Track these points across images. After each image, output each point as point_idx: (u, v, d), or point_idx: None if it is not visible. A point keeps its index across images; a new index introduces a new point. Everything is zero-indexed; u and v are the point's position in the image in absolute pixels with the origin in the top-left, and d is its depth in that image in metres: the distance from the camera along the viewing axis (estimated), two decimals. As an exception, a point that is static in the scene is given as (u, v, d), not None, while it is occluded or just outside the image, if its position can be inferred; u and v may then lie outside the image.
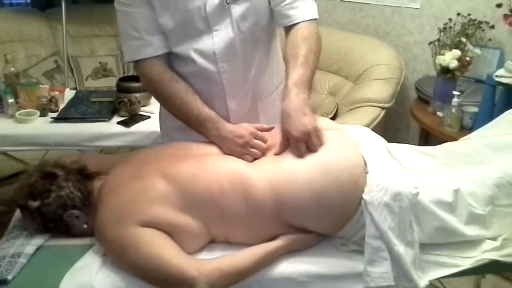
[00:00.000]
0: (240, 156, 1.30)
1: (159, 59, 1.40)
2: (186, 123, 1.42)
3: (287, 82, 1.30)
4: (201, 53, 1.39)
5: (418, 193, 1.21)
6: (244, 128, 1.35)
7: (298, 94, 1.27)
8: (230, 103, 1.47)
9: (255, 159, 1.30)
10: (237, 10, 1.37)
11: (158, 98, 1.48)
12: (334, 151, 1.26)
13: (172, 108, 1.43)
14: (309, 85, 1.32)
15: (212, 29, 1.38)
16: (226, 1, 1.36)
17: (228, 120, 1.43)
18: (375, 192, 1.20)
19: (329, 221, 1.24)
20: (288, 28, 1.41)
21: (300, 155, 1.23)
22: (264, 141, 1.33)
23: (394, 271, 1.19)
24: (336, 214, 1.22)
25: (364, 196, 1.21)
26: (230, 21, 1.38)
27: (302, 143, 1.23)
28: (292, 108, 1.25)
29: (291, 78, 1.30)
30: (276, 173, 1.22)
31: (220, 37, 1.38)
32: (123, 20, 1.39)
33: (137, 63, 1.42)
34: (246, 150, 1.30)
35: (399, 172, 1.26)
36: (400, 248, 1.18)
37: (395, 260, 1.19)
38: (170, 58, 1.43)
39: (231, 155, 1.31)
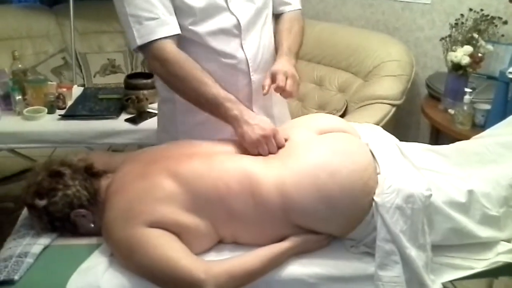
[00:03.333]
0: (251, 147, 1.29)
1: (174, 39, 1.38)
2: (200, 105, 1.38)
3: (283, 46, 1.51)
4: (224, 29, 1.43)
5: (431, 194, 1.19)
6: (268, 123, 1.33)
7: (289, 58, 1.48)
8: (253, 76, 1.50)
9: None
10: None
11: (171, 79, 1.40)
12: (342, 153, 1.24)
13: (187, 89, 1.37)
14: (296, 55, 1.54)
15: (228, 3, 1.42)
16: None
17: (250, 96, 1.50)
18: (386, 194, 1.18)
19: (339, 223, 1.22)
20: (281, 14, 1.61)
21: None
22: (281, 145, 1.31)
23: (406, 275, 1.17)
24: (345, 217, 1.21)
25: (375, 198, 1.19)
26: None
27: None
28: (282, 66, 1.43)
29: (284, 46, 1.51)
30: (283, 174, 1.20)
31: (240, 11, 1.44)
32: (133, 4, 1.36)
33: (149, 45, 1.36)
34: (261, 145, 1.29)
35: (411, 173, 1.24)
36: (412, 251, 1.17)
37: (407, 264, 1.17)
38: (189, 45, 1.41)
39: (243, 141, 1.30)
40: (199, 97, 1.36)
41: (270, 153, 1.29)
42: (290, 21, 1.59)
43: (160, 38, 1.35)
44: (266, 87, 1.39)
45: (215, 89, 1.34)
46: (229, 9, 1.42)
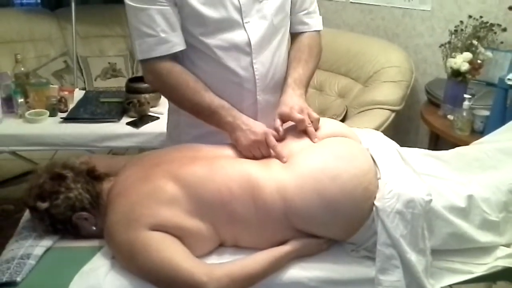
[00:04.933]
0: (245, 151, 1.32)
1: (171, 56, 1.37)
2: (196, 114, 1.40)
3: (288, 79, 1.45)
4: (233, 45, 1.38)
5: (431, 199, 1.20)
6: (260, 126, 1.35)
7: (295, 90, 1.42)
8: (259, 96, 1.46)
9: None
10: (270, 5, 1.41)
11: (167, 91, 1.43)
12: (343, 158, 1.25)
13: (182, 100, 1.39)
14: (307, 84, 1.49)
15: (244, 20, 1.38)
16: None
17: (256, 116, 1.44)
18: (387, 199, 1.19)
19: (339, 227, 1.23)
20: (297, 34, 1.54)
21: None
22: (273, 147, 1.31)
23: (406, 279, 1.17)
24: (346, 221, 1.21)
25: (376, 203, 1.19)
26: (263, 14, 1.40)
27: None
28: (289, 99, 1.39)
29: (291, 76, 1.45)
30: (284, 178, 1.21)
31: (253, 29, 1.39)
32: (136, 17, 1.35)
33: (147, 60, 1.37)
34: (253, 149, 1.31)
35: (411, 178, 1.25)
36: (412, 256, 1.17)
37: (407, 268, 1.18)
38: (197, 56, 1.40)
39: (237, 145, 1.33)
40: (194, 107, 1.38)
41: (264, 156, 1.31)
42: (300, 47, 1.52)
43: (158, 58, 1.35)
44: (281, 130, 1.35)
45: (208, 98, 1.36)
46: (243, 25, 1.38)
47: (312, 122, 1.35)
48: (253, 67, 1.41)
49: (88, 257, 1.21)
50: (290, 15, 1.50)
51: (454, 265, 1.25)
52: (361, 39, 3.09)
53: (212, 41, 1.37)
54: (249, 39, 1.38)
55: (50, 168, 1.29)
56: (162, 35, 1.33)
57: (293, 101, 1.38)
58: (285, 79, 1.48)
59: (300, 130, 1.35)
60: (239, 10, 1.36)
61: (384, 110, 2.63)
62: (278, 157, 1.30)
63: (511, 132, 1.59)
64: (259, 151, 1.32)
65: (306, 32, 1.53)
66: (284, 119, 1.36)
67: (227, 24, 1.36)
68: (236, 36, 1.38)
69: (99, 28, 3.69)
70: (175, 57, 1.38)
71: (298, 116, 1.33)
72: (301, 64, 1.48)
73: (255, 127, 1.33)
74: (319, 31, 1.56)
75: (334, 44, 3.07)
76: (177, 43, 1.36)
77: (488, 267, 1.25)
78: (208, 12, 1.34)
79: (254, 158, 1.32)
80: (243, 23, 1.38)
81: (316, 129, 1.35)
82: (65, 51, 3.60)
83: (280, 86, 1.49)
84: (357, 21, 3.29)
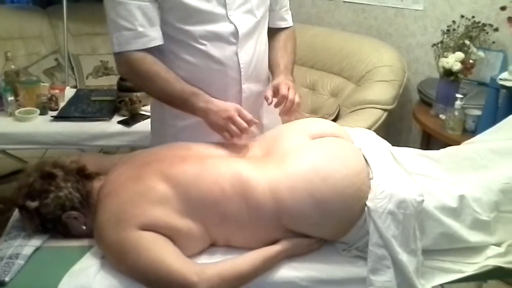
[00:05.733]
0: (221, 131, 1.35)
1: (146, 50, 1.39)
2: (171, 103, 1.44)
3: (280, 65, 1.55)
4: (217, 35, 1.42)
5: (423, 200, 1.20)
6: (231, 104, 1.38)
7: (287, 75, 1.52)
8: (244, 85, 1.51)
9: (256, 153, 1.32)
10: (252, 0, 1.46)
11: (139, 82, 1.48)
12: (335, 158, 1.25)
13: (155, 90, 1.43)
14: (291, 72, 1.58)
15: (228, 13, 1.41)
16: None
17: (240, 104, 1.45)
18: (379, 199, 1.19)
19: (331, 227, 1.22)
20: (276, 29, 1.63)
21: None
22: (247, 120, 1.34)
23: (397, 280, 1.18)
24: (338, 221, 1.21)
25: (368, 203, 1.19)
26: (247, 8, 1.45)
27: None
28: (283, 79, 1.49)
29: (281, 63, 1.56)
30: (276, 178, 1.21)
31: (239, 20, 1.43)
32: (115, 10, 1.36)
33: (121, 53, 1.40)
34: (228, 126, 1.33)
35: (403, 178, 1.25)
36: (404, 256, 1.17)
37: (398, 269, 1.18)
38: (181, 46, 1.43)
39: (214, 129, 1.37)
40: (168, 96, 1.42)
41: (240, 130, 1.33)
42: (285, 39, 1.62)
43: (134, 50, 1.38)
44: (270, 98, 1.42)
45: (179, 86, 1.40)
46: (228, 18, 1.42)
47: (292, 102, 1.42)
48: (237, 55, 1.45)
49: (78, 257, 1.20)
50: (272, 11, 1.59)
51: (445, 265, 1.25)
52: (353, 39, 3.09)
53: (196, 30, 1.40)
54: (236, 30, 1.43)
55: (40, 167, 1.28)
56: (140, 29, 1.36)
57: (285, 80, 1.48)
58: (273, 66, 1.58)
59: (291, 130, 1.37)
60: (223, 3, 1.40)
61: (377, 110, 2.63)
62: (251, 124, 1.34)
63: (502, 131, 1.60)
64: (233, 127, 1.33)
65: (284, 28, 1.64)
66: (275, 90, 1.44)
67: (212, 16, 1.40)
68: (221, 27, 1.42)
69: (90, 26, 3.66)
70: (150, 51, 1.40)
71: (284, 91, 1.41)
72: (287, 54, 1.59)
73: (226, 106, 1.37)
74: (292, 26, 1.68)
75: (326, 43, 3.07)
76: (155, 38, 1.39)
77: (479, 266, 1.25)
78: (193, 2, 1.37)
79: (232, 137, 1.34)
80: (227, 15, 1.42)
81: (291, 111, 1.43)
82: (56, 49, 3.57)
83: (261, 75, 1.57)
84: (349, 20, 3.29)
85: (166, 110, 1.53)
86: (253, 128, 1.42)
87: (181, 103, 1.41)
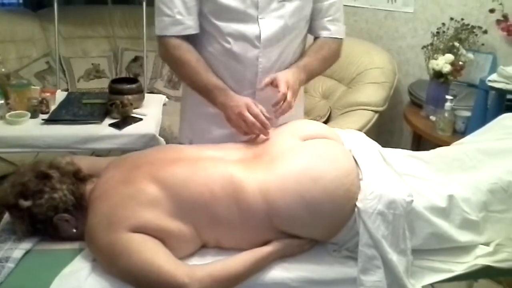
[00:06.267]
0: (235, 127, 1.42)
1: (183, 36, 1.46)
2: (197, 91, 1.50)
3: (299, 62, 1.51)
4: (243, 36, 1.45)
5: (412, 200, 1.21)
6: (243, 100, 1.41)
7: (300, 73, 1.48)
8: (258, 91, 1.52)
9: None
10: (287, 6, 1.46)
11: (173, 66, 1.55)
12: (325, 159, 1.25)
13: (184, 76, 1.52)
14: (310, 74, 1.53)
15: (259, 16, 1.43)
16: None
17: None
18: (369, 200, 1.19)
19: (322, 228, 1.23)
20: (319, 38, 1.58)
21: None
22: (256, 116, 1.36)
23: (388, 280, 1.18)
24: (328, 222, 1.22)
25: (357, 204, 1.20)
26: (279, 14, 1.45)
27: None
28: (289, 74, 1.45)
29: (302, 60, 1.52)
30: (267, 180, 1.21)
31: (266, 25, 1.44)
32: None
33: (162, 38, 1.47)
34: (240, 122, 1.38)
35: (393, 179, 1.26)
36: (394, 256, 1.18)
37: (389, 269, 1.18)
38: (208, 39, 1.48)
39: (231, 125, 1.43)
40: (194, 85, 1.49)
41: (249, 125, 1.36)
42: (321, 45, 1.57)
43: (171, 36, 1.45)
44: (264, 83, 1.43)
45: (206, 78, 1.45)
46: (257, 20, 1.43)
47: (288, 104, 1.40)
48: (258, 60, 1.47)
49: (69, 260, 1.19)
50: (315, 20, 1.56)
51: (435, 264, 1.26)
52: (345, 41, 3.08)
53: (225, 27, 1.44)
54: (260, 33, 1.44)
55: (35, 167, 1.26)
56: (178, 17, 1.43)
57: (289, 76, 1.44)
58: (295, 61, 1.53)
59: (281, 132, 1.38)
60: (256, 5, 1.42)
61: (368, 111, 2.65)
62: (263, 124, 1.36)
63: (491, 132, 1.61)
64: (243, 124, 1.37)
65: (326, 37, 1.57)
66: (273, 82, 1.42)
67: (242, 16, 1.43)
68: (248, 28, 1.44)
69: (82, 29, 3.65)
70: (187, 38, 1.46)
71: (283, 89, 1.39)
72: (315, 57, 1.54)
73: (238, 101, 1.40)
74: (341, 39, 1.61)
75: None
76: (191, 26, 1.45)
77: (468, 266, 1.26)
78: (227, 1, 1.41)
79: (246, 133, 1.40)
80: (257, 18, 1.44)
81: (284, 111, 1.40)
82: (48, 52, 3.55)
83: None
84: (341, 22, 3.30)
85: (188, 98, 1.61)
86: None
87: (205, 94, 1.47)
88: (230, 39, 1.45)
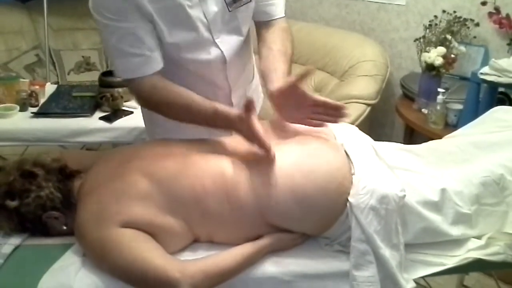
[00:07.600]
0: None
1: (157, 73, 1.35)
2: (197, 123, 1.34)
3: (278, 72, 1.36)
4: (209, 61, 1.42)
5: (404, 195, 1.20)
6: (233, 114, 1.27)
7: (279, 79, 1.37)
8: (234, 98, 1.55)
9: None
10: (240, 15, 1.42)
11: (160, 108, 1.38)
12: (317, 154, 1.24)
13: (179, 111, 1.34)
14: (290, 65, 1.46)
15: (214, 38, 1.39)
16: (228, 9, 1.38)
17: None
18: (361, 195, 1.19)
19: (314, 223, 1.22)
20: (264, 24, 1.51)
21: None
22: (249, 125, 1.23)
23: (380, 275, 1.18)
24: (320, 217, 1.21)
25: (350, 199, 1.19)
26: (231, 28, 1.42)
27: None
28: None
29: (280, 72, 1.37)
30: (258, 174, 1.20)
31: (225, 45, 1.42)
32: (114, 36, 1.29)
33: (134, 80, 1.34)
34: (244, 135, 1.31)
35: (385, 174, 1.25)
36: (386, 251, 1.18)
37: (381, 264, 1.18)
38: (174, 66, 1.39)
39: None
40: (191, 122, 1.34)
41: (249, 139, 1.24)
42: (282, 39, 1.48)
43: (144, 76, 1.32)
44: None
45: (209, 104, 1.30)
46: (215, 43, 1.40)
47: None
48: (226, 75, 1.49)
49: (59, 255, 1.18)
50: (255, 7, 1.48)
51: (427, 258, 1.26)
52: (337, 34, 3.10)
53: (188, 57, 1.39)
54: (223, 54, 1.42)
55: (20, 165, 1.25)
56: (148, 53, 1.31)
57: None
58: (271, 70, 1.38)
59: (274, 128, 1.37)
60: (208, 27, 1.37)
61: (360, 104, 2.64)
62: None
63: (484, 125, 1.61)
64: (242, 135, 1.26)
65: (274, 20, 1.51)
66: (282, 91, 1.30)
67: (200, 44, 1.39)
68: (210, 52, 1.41)
69: (72, 21, 3.61)
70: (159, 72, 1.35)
71: (318, 97, 1.29)
72: (286, 60, 1.43)
73: (230, 118, 1.27)
74: (283, 17, 1.54)
75: (310, 38, 3.07)
76: (161, 61, 1.35)
77: (460, 259, 1.26)
78: (180, 40, 1.34)
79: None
80: (213, 40, 1.40)
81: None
82: (37, 44, 3.52)
83: (247, 79, 1.61)
84: (333, 15, 3.30)
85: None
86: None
87: (207, 125, 1.33)
88: (194, 65, 1.42)
